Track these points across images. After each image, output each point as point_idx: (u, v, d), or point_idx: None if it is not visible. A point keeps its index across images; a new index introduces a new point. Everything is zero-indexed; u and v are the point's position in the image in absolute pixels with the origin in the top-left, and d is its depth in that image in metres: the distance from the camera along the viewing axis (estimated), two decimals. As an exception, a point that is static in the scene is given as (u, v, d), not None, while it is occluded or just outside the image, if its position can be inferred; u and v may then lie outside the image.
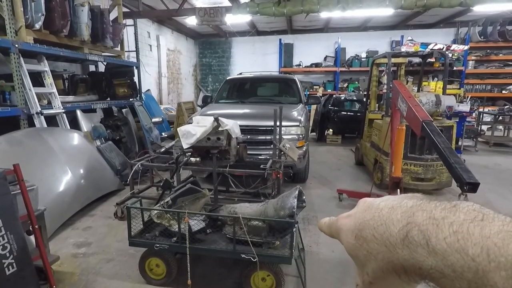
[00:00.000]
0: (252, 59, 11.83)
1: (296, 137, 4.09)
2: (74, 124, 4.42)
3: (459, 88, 9.47)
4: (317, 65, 11.18)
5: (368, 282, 0.35)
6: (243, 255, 2.11)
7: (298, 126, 4.14)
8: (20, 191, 1.90)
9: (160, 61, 9.39)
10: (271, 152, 3.71)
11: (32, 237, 2.05)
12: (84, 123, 4.54)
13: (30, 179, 2.16)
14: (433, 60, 8.76)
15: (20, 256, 1.76)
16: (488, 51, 10.06)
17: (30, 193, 2.00)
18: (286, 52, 11.48)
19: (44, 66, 4.06)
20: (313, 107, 8.59)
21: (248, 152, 3.58)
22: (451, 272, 0.26)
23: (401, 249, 0.30)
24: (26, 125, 3.64)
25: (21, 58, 3.61)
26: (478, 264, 0.25)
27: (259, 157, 3.81)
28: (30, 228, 1.97)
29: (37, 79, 4.07)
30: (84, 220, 3.44)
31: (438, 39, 9.81)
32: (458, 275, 0.26)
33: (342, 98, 8.48)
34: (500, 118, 7.50)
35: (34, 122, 3.72)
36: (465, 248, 0.26)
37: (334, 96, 9.14)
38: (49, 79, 4.09)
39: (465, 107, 6.24)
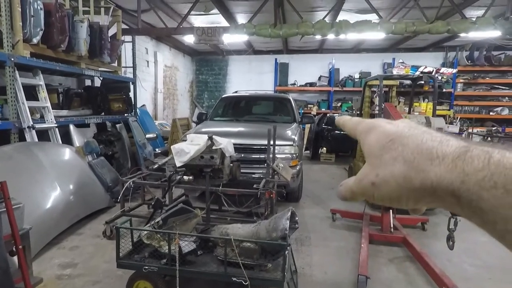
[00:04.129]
0: (248, 77, 12.01)
1: (290, 156, 4.11)
2: (67, 139, 4.36)
3: (449, 109, 9.72)
4: (311, 84, 11.39)
5: (370, 182, 0.34)
6: (234, 278, 2.06)
7: (292, 145, 4.17)
8: (5, 209, 1.85)
9: (156, 77, 9.47)
10: (264, 171, 3.70)
11: (15, 258, 1.97)
12: (77, 138, 4.49)
13: (18, 195, 2.11)
14: (423, 82, 9.02)
15: (1, 278, 1.68)
16: (475, 74, 10.42)
17: (16, 212, 1.94)
18: (282, 71, 11.71)
19: (39, 80, 4.05)
20: (307, 125, 8.68)
21: (242, 170, 3.57)
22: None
23: (448, 165, 0.28)
24: (17, 139, 3.59)
25: (16, 72, 3.60)
26: None
27: (253, 176, 3.80)
28: (14, 249, 1.90)
29: (31, 92, 4.05)
30: (71, 239, 3.33)
31: (428, 62, 10.14)
32: None
33: (336, 117, 8.59)
34: (489, 138, 7.69)
35: (25, 136, 3.67)
36: None
37: (328, 115, 9.27)
38: (43, 93, 4.07)
39: (454, 128, 6.40)
